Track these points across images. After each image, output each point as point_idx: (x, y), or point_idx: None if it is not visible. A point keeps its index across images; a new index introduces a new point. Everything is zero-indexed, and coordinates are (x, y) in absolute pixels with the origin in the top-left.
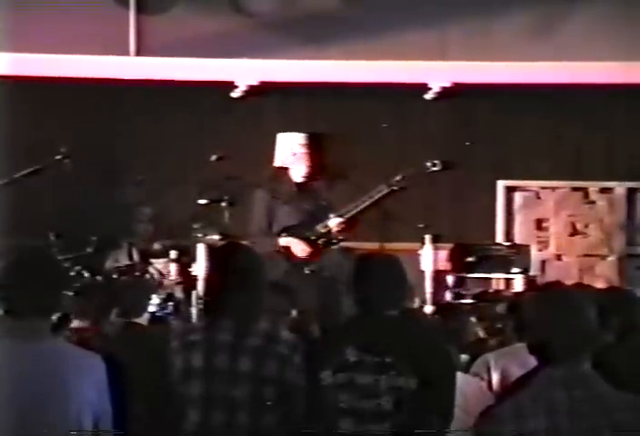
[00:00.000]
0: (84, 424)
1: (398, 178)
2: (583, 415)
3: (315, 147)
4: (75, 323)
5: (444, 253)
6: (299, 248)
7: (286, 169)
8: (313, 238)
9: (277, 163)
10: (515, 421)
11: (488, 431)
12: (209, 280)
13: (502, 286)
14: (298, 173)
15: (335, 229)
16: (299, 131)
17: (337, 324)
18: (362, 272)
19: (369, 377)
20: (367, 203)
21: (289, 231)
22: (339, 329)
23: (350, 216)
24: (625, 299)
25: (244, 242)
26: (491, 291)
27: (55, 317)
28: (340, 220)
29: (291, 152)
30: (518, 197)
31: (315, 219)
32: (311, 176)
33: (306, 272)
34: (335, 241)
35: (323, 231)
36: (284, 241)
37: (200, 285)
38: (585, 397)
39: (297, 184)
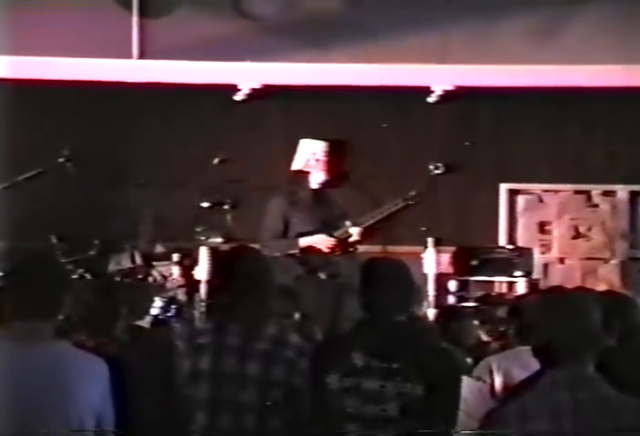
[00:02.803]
0: (86, 427)
1: (414, 193)
2: (586, 417)
3: (337, 155)
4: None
5: (446, 257)
6: (326, 242)
7: (304, 174)
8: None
9: (296, 167)
10: (519, 422)
11: (493, 432)
12: (214, 282)
13: (504, 289)
14: (317, 179)
15: (353, 237)
16: (302, 134)
17: (346, 328)
18: (369, 277)
19: (376, 382)
20: (384, 215)
21: (306, 236)
22: (347, 333)
23: (367, 226)
24: (625, 302)
25: (253, 246)
26: (493, 294)
27: (58, 320)
28: (359, 229)
29: (314, 157)
30: (521, 200)
31: (329, 227)
32: (328, 183)
33: (322, 277)
34: (351, 249)
35: (341, 238)
36: (307, 240)
37: (203, 288)
38: (588, 399)
39: (313, 191)
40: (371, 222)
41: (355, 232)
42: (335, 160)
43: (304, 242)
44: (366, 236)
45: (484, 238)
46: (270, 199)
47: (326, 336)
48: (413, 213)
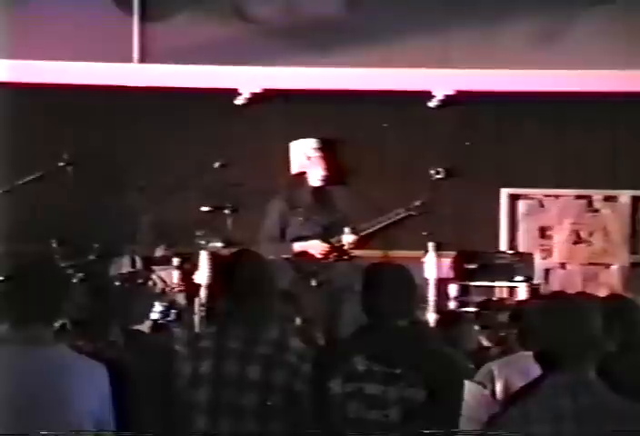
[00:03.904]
0: (85, 431)
1: (417, 203)
2: (588, 422)
3: (330, 151)
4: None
5: (447, 261)
6: (319, 248)
7: (303, 175)
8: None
9: (294, 169)
10: (521, 427)
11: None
12: (214, 287)
13: (505, 294)
14: (315, 177)
15: (348, 245)
16: (302, 138)
17: (347, 333)
18: (371, 282)
19: (378, 387)
20: (384, 224)
21: (303, 240)
22: (349, 338)
23: (365, 234)
24: (627, 307)
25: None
26: (494, 299)
27: (57, 324)
28: (354, 238)
29: (305, 156)
30: (522, 205)
31: (328, 232)
32: (327, 180)
33: (313, 284)
34: (346, 257)
35: (336, 245)
36: (301, 245)
37: (203, 292)
38: (590, 404)
39: (314, 191)
40: (371, 230)
41: (350, 240)
42: (328, 155)
43: (298, 246)
44: (360, 244)
45: (484, 243)
46: (271, 202)
47: (328, 341)
48: (414, 219)
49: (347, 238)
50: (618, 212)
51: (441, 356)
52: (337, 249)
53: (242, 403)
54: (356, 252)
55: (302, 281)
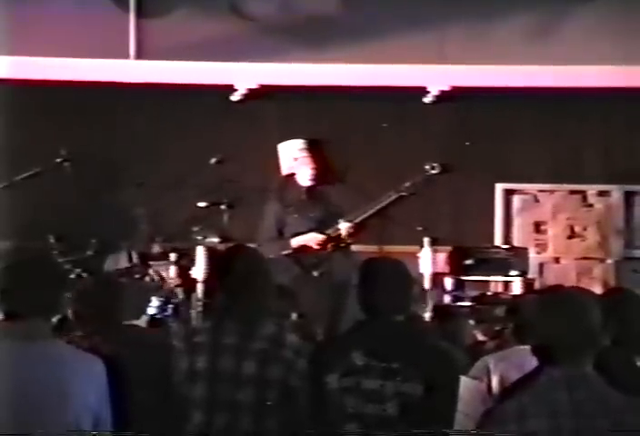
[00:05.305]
0: (83, 427)
1: (407, 184)
2: (584, 416)
3: (317, 150)
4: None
5: (442, 256)
6: (314, 240)
7: (293, 176)
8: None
9: (284, 171)
10: (517, 422)
11: (490, 431)
12: (211, 282)
13: (500, 289)
14: (304, 176)
15: (344, 233)
16: (298, 134)
17: (344, 328)
18: (368, 277)
19: (375, 382)
20: (376, 209)
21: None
22: (346, 333)
23: (359, 221)
24: (623, 300)
25: (251, 245)
26: (489, 293)
27: (55, 319)
28: (350, 224)
29: (292, 158)
30: (517, 200)
31: (324, 226)
32: (318, 179)
33: (315, 274)
34: (343, 245)
35: (333, 235)
36: (298, 240)
37: (199, 287)
38: (586, 398)
39: (307, 190)
40: (363, 216)
41: (344, 227)
42: (316, 154)
43: (295, 241)
44: (356, 231)
45: (479, 238)
46: (266, 203)
47: (325, 335)
48: (409, 213)
49: (343, 225)
50: (612, 206)
51: (438, 351)
52: (334, 238)
53: (239, 398)
54: (353, 247)
55: (303, 274)
